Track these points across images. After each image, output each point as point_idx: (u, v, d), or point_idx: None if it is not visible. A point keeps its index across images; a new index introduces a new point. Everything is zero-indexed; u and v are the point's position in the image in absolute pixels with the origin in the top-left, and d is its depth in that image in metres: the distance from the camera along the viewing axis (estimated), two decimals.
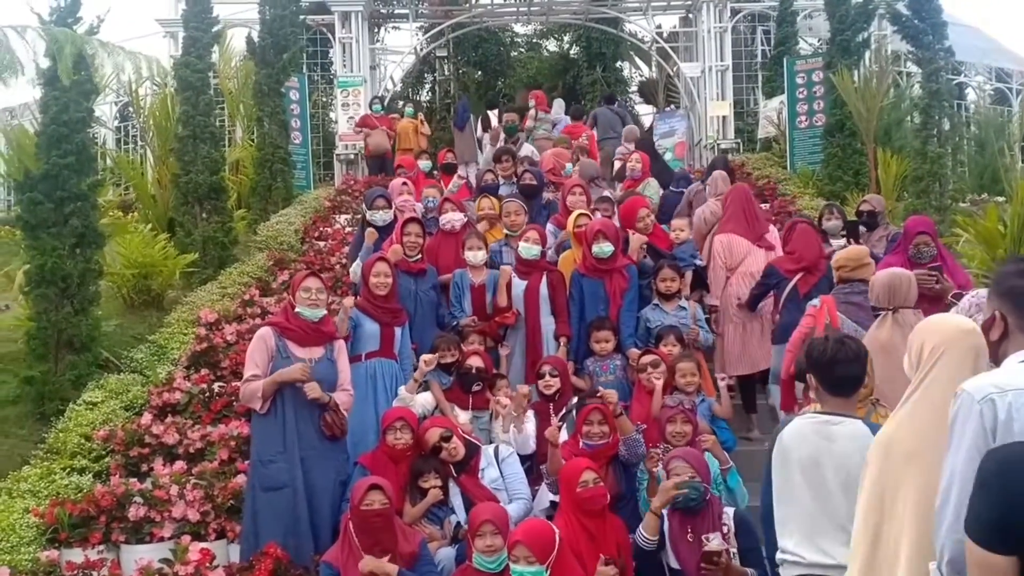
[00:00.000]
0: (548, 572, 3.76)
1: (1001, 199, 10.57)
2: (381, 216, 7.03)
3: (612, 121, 13.19)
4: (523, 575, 3.76)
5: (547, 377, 5.63)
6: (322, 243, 10.32)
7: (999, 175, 13.06)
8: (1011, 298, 2.43)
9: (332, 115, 17.00)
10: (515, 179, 9.00)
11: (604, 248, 6.40)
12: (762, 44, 17.15)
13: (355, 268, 6.95)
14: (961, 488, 2.22)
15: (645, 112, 22.53)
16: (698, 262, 7.31)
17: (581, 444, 4.91)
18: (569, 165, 9.73)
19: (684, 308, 6.38)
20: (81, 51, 6.24)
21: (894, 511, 2.67)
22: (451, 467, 4.93)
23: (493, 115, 13.19)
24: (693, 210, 8.41)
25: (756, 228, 7.16)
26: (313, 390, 4.79)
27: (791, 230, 6.60)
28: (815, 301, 5.36)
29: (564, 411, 5.48)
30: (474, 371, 5.78)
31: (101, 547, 4.99)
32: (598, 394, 5.13)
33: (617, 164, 11.36)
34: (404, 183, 7.61)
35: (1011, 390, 2.26)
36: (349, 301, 5.80)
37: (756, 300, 6.64)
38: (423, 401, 5.65)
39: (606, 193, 8.71)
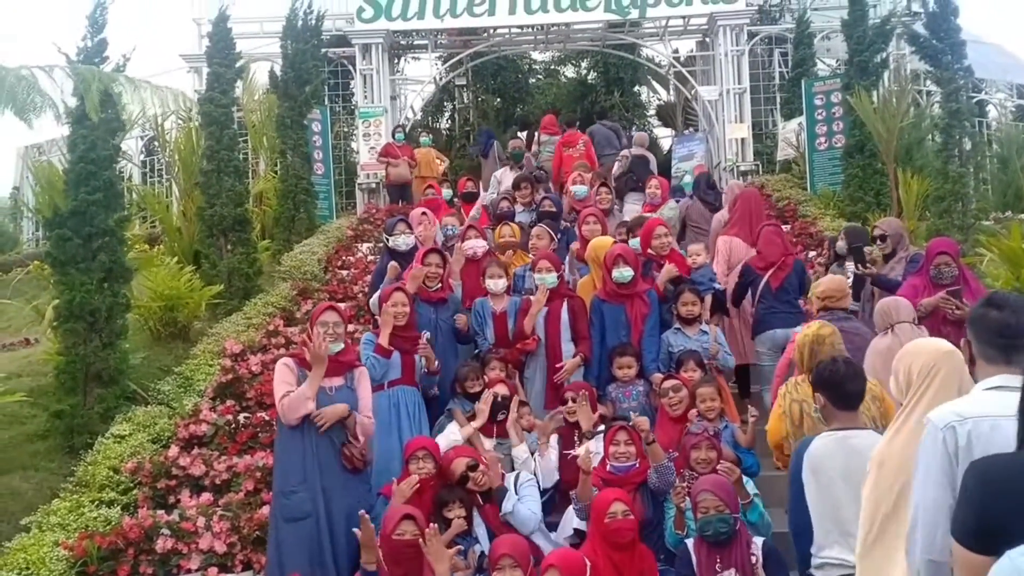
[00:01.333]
0: None
1: None
2: (404, 240, 7.10)
3: (608, 137, 13.47)
4: None
5: (582, 401, 5.64)
6: (345, 272, 10.41)
7: (1023, 192, 12.99)
8: (971, 325, 2.72)
9: (354, 145, 17.19)
10: (534, 206, 9.08)
11: (624, 273, 6.41)
12: (779, 66, 17.16)
13: (374, 301, 7.03)
14: (926, 511, 2.48)
15: (664, 135, 22.60)
16: (717, 286, 7.32)
17: (608, 467, 4.91)
18: (584, 188, 9.82)
19: (705, 332, 6.39)
20: (108, 89, 6.37)
21: (887, 526, 2.94)
22: (477, 496, 4.94)
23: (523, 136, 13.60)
24: (688, 222, 8.98)
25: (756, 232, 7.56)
26: (323, 419, 4.81)
27: (759, 234, 7.17)
28: (798, 328, 5.44)
29: (589, 438, 5.48)
30: (499, 399, 5.80)
31: None
32: (632, 421, 5.12)
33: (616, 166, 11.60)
34: (424, 213, 7.68)
35: (971, 418, 2.51)
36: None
37: (738, 296, 7.18)
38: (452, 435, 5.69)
39: (625, 219, 8.78)
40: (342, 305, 6.57)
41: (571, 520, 4.97)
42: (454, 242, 7.59)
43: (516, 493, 4.98)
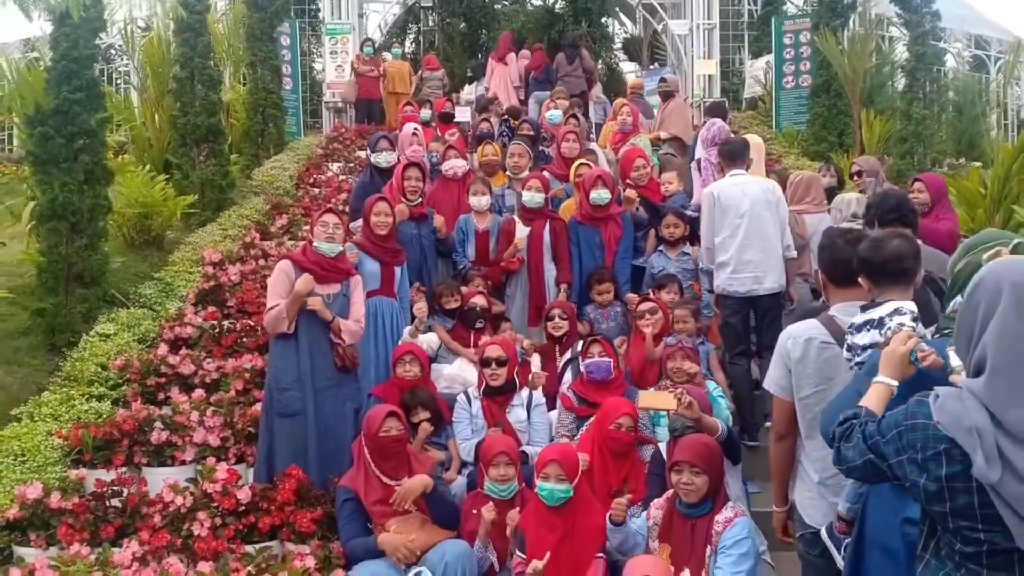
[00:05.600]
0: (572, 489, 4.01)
1: (978, 164, 10.90)
2: (385, 158, 7.16)
3: (561, 61, 13.75)
4: (553, 492, 3.99)
5: (556, 320, 5.86)
6: (316, 190, 10.42)
7: (976, 140, 13.42)
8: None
9: (317, 64, 16.96)
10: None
11: (602, 195, 6.60)
12: (748, 3, 17.28)
13: (354, 226, 7.12)
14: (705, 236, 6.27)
15: (629, 70, 22.62)
16: (690, 213, 7.55)
17: (584, 375, 5.16)
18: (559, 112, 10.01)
19: (687, 254, 6.62)
20: None
21: None
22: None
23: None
24: None
25: None
26: (315, 303, 4.92)
27: None
28: None
29: (568, 356, 5.73)
30: (477, 309, 6.02)
31: (123, 469, 5.18)
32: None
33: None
34: (414, 133, 7.73)
35: (720, 187, 6.20)
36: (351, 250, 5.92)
37: None
38: (428, 341, 5.87)
39: (591, 146, 8.94)
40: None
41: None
42: (437, 168, 7.70)
43: (528, 410, 5.16)
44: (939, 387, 2.14)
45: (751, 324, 6.11)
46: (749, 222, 5.94)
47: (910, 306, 2.89)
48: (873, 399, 2.49)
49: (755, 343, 6.18)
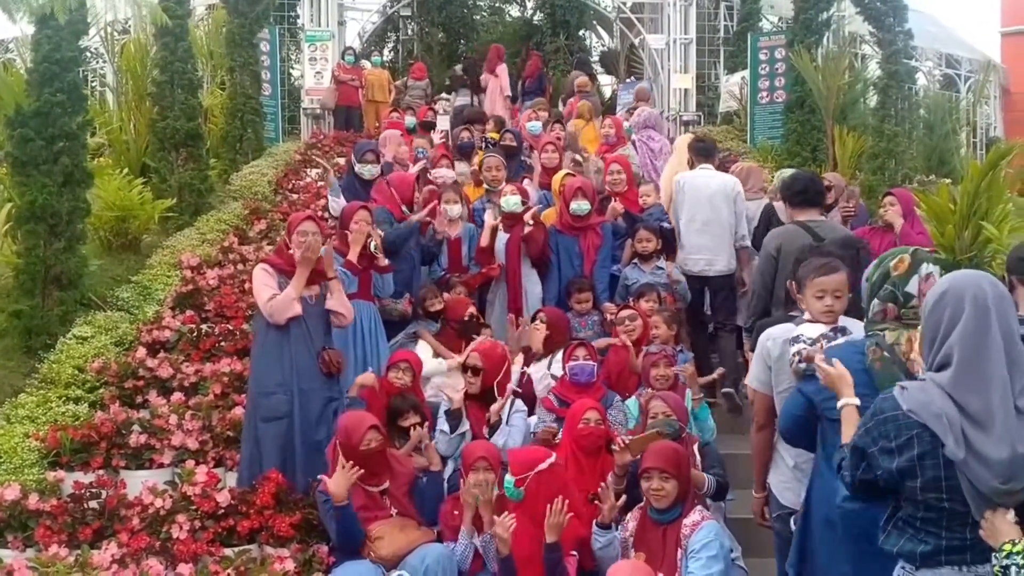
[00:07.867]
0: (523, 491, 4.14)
1: (947, 181, 11.09)
2: (370, 169, 7.19)
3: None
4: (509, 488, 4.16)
5: (538, 323, 5.92)
6: (295, 195, 10.42)
7: (946, 157, 13.64)
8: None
9: (295, 70, 16.98)
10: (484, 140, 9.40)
11: (582, 205, 6.69)
12: (725, 19, 17.50)
13: (334, 205, 7.12)
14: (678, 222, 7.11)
15: (606, 83, 22.81)
16: (665, 225, 7.64)
17: (568, 379, 5.22)
18: (538, 123, 10.11)
19: (661, 268, 6.71)
20: None
21: None
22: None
23: None
24: None
25: None
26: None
27: None
28: None
29: (550, 359, 5.79)
30: (475, 320, 6.08)
31: (101, 471, 5.15)
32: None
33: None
34: (402, 134, 7.75)
35: (686, 177, 7.08)
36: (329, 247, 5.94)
37: None
38: (425, 355, 5.89)
39: (576, 158, 9.05)
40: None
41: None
42: (427, 164, 7.75)
43: (508, 421, 5.14)
44: (903, 381, 2.54)
45: (705, 301, 7.00)
46: (708, 211, 6.77)
47: (809, 334, 3.48)
48: (847, 427, 2.84)
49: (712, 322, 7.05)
